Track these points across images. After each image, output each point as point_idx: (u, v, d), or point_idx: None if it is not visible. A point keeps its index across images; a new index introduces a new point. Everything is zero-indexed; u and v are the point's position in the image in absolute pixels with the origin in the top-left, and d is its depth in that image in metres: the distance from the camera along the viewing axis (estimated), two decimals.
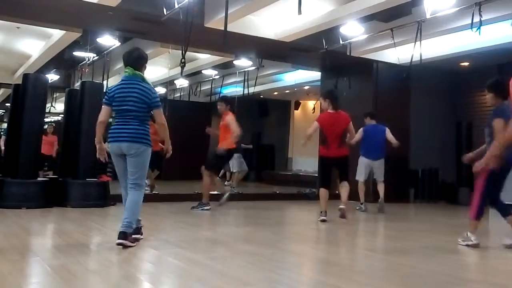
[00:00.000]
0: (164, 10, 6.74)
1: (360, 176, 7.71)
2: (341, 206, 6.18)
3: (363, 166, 7.70)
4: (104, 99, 4.16)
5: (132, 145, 4.01)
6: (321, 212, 6.09)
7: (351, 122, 6.29)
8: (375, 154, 7.65)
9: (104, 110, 4.12)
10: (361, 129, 7.66)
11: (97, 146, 4.11)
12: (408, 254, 4.34)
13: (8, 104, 11.22)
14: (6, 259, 3.40)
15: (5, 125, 10.48)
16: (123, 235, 3.83)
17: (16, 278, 2.95)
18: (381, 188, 7.58)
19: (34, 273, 3.29)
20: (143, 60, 4.22)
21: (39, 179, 6.88)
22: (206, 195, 6.90)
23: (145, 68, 4.24)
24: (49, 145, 10.15)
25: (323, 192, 6.21)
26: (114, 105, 4.06)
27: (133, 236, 3.98)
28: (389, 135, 7.60)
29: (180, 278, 3.20)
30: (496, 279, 3.41)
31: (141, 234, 4.26)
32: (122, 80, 4.15)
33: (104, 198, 6.95)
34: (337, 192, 6.59)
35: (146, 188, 9.47)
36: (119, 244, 3.79)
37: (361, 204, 7.60)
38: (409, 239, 5.36)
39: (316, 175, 10.59)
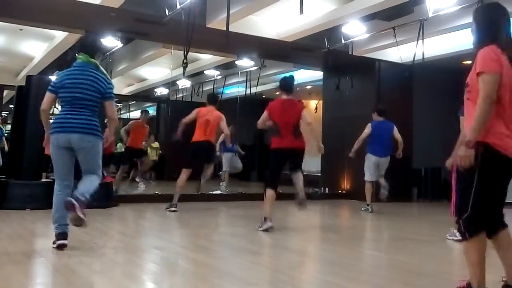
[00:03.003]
0: (166, 11, 6.76)
1: (370, 176, 7.44)
2: (300, 195, 5.24)
3: (372, 164, 7.43)
4: (49, 86, 3.79)
5: (84, 137, 3.65)
6: (265, 218, 5.06)
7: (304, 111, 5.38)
8: (382, 151, 7.38)
9: (47, 97, 3.75)
10: (369, 124, 7.42)
11: (46, 136, 3.80)
12: (412, 253, 4.34)
13: (11, 106, 11.26)
14: (10, 260, 3.42)
15: (8, 127, 10.48)
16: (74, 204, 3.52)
17: (20, 279, 2.97)
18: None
19: (38, 273, 3.31)
20: (98, 47, 3.94)
21: (43, 180, 6.91)
22: None
23: (100, 58, 3.94)
24: None
25: (271, 194, 5.09)
26: (62, 92, 3.70)
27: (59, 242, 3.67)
28: (397, 133, 7.38)
29: (184, 278, 3.21)
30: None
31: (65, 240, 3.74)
32: (74, 66, 3.80)
33: (107, 199, 6.96)
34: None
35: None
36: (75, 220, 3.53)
37: (368, 205, 7.37)
38: (412, 238, 5.36)
39: (319, 174, 10.63)
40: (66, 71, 3.80)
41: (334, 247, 4.50)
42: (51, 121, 3.85)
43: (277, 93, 15.45)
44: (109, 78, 3.86)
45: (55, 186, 3.79)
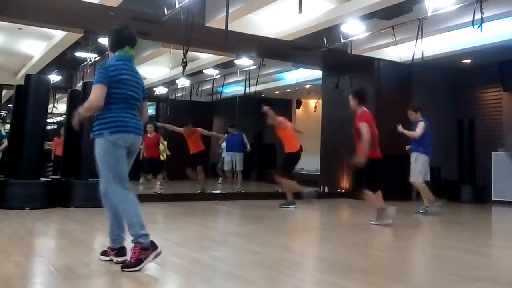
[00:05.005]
0: (165, 10, 6.75)
1: (426, 175, 7.16)
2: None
3: (427, 164, 7.11)
4: (103, 77, 3.21)
5: (140, 139, 3.47)
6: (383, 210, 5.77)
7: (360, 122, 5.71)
8: (431, 149, 7.16)
9: (103, 91, 3.20)
10: (422, 122, 7.12)
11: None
12: (411, 251, 4.34)
13: (10, 105, 11.25)
14: (10, 259, 3.42)
15: (7, 126, 10.46)
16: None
17: (19, 278, 2.96)
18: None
19: (37, 273, 3.30)
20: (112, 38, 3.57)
21: (42, 179, 6.90)
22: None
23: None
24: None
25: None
26: (118, 87, 3.25)
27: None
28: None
29: (184, 277, 3.21)
30: (504, 278, 3.40)
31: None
32: (127, 61, 3.38)
33: None
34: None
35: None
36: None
37: (427, 207, 7.11)
38: (411, 237, 5.37)
39: (318, 173, 10.65)
40: (122, 64, 3.36)
41: (334, 247, 4.50)
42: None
43: (277, 92, 15.43)
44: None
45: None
